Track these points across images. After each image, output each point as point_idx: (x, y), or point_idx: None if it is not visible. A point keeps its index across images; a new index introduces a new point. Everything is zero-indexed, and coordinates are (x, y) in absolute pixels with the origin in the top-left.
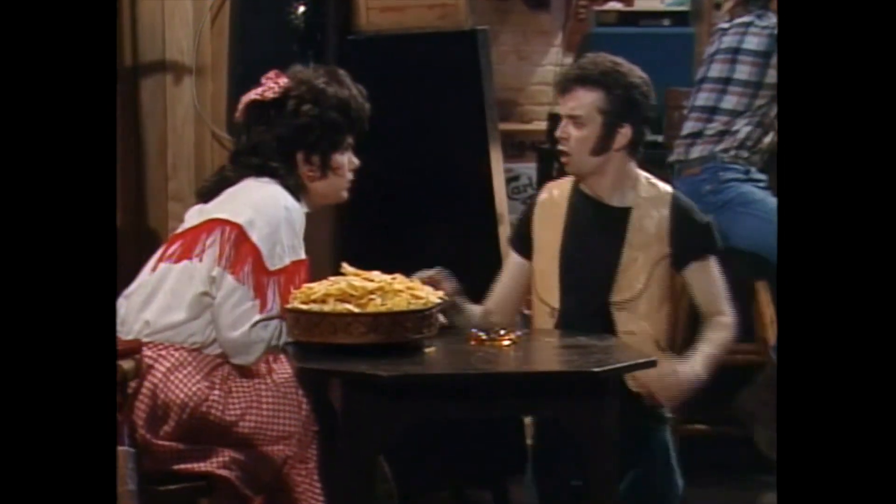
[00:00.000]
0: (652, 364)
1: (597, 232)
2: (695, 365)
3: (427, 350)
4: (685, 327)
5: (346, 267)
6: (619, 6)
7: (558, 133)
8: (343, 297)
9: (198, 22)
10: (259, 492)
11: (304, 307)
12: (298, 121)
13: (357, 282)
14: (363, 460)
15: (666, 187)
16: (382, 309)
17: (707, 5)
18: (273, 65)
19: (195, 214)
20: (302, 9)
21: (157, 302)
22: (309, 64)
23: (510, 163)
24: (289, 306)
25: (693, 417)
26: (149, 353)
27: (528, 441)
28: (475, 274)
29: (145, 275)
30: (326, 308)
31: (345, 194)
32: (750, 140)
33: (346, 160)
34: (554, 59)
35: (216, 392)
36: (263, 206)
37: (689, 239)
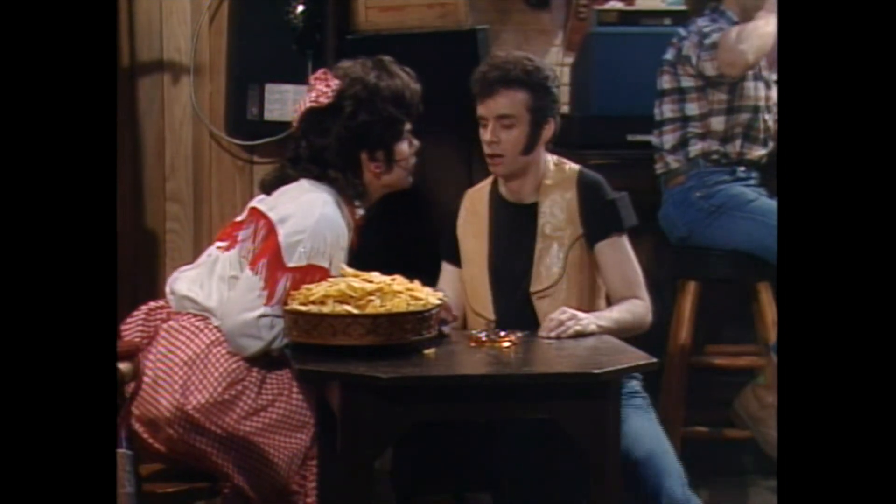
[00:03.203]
0: (653, 365)
1: (516, 234)
2: (598, 319)
3: (426, 352)
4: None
5: (344, 268)
6: (619, 5)
7: (488, 137)
8: (342, 299)
9: (196, 21)
10: (265, 500)
11: (303, 308)
12: (357, 122)
13: (356, 283)
14: (362, 462)
15: (573, 167)
16: (381, 310)
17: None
18: (272, 64)
19: (255, 204)
20: (301, 8)
21: (207, 289)
22: (309, 63)
23: None
24: (288, 307)
25: (694, 420)
26: (198, 323)
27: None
28: None
29: (204, 256)
30: (325, 309)
31: (410, 179)
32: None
33: (407, 146)
34: (555, 59)
35: (253, 374)
36: (300, 209)
37: (594, 218)
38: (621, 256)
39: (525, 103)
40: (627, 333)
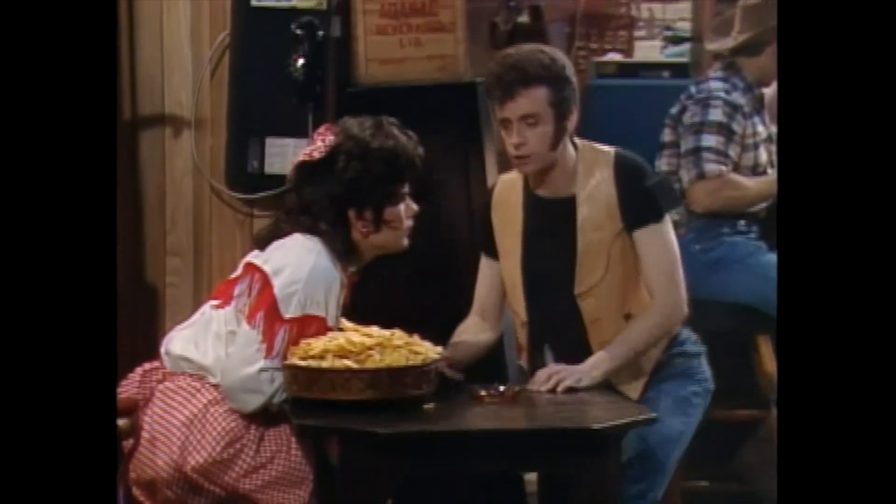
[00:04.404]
0: (653, 420)
1: (553, 231)
2: (595, 367)
3: (426, 406)
4: None
5: (344, 322)
6: (618, 57)
7: (514, 139)
8: (341, 353)
9: (197, 74)
10: None
11: (303, 363)
12: (346, 178)
13: (356, 337)
14: None
15: (608, 151)
16: (381, 365)
17: (707, 57)
18: (273, 117)
19: (249, 259)
20: (301, 61)
21: (202, 347)
22: (310, 116)
23: None
24: (287, 362)
25: (694, 474)
26: (195, 383)
27: (529, 491)
28: None
29: (197, 315)
30: (325, 364)
31: (405, 242)
32: None
33: (402, 210)
34: None
35: (252, 432)
36: (294, 260)
37: (632, 206)
38: (656, 247)
39: (547, 99)
40: (652, 347)
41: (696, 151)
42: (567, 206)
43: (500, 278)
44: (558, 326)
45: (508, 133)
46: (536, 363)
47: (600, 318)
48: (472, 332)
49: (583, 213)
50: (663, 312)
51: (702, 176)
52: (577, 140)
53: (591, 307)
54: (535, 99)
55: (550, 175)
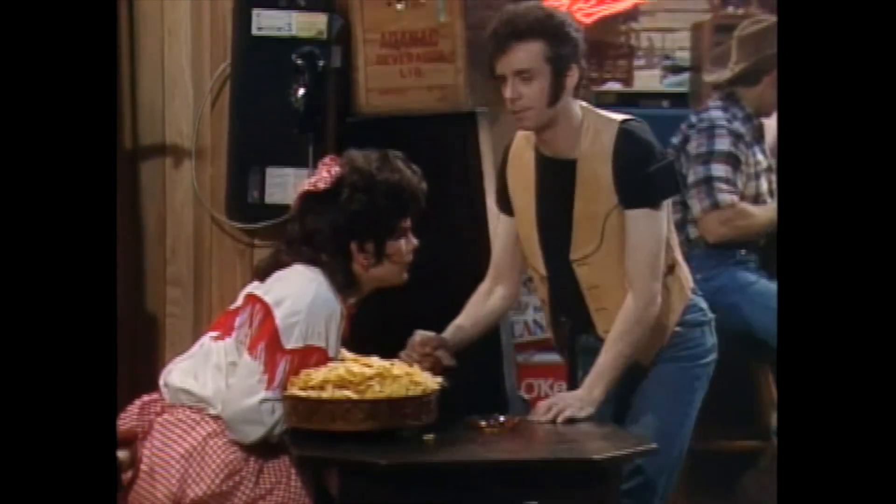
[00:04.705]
0: (654, 451)
1: (557, 192)
2: (593, 388)
3: (426, 437)
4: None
5: (344, 352)
6: (617, 87)
7: (509, 94)
8: (341, 384)
9: (198, 104)
10: None
11: (303, 394)
12: (350, 210)
13: (356, 367)
14: None
15: (614, 119)
16: (381, 395)
17: (706, 88)
18: (273, 147)
19: (250, 290)
20: (302, 91)
21: (202, 379)
22: (310, 146)
23: None
24: (287, 393)
25: None
26: (194, 415)
27: None
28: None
29: (196, 347)
30: (325, 395)
31: (405, 276)
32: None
33: (403, 244)
34: None
35: (251, 464)
36: (295, 291)
37: (628, 186)
38: (643, 232)
39: (542, 54)
40: (641, 343)
41: (708, 181)
42: (568, 169)
43: (514, 235)
44: (567, 287)
45: (504, 88)
46: (556, 322)
47: (598, 285)
48: (481, 301)
49: (580, 180)
50: (640, 306)
51: (715, 206)
52: (583, 104)
53: (587, 274)
54: (529, 53)
55: (553, 131)
